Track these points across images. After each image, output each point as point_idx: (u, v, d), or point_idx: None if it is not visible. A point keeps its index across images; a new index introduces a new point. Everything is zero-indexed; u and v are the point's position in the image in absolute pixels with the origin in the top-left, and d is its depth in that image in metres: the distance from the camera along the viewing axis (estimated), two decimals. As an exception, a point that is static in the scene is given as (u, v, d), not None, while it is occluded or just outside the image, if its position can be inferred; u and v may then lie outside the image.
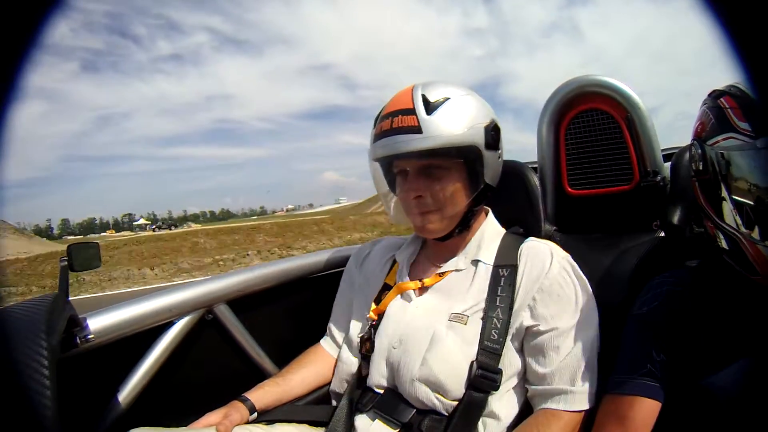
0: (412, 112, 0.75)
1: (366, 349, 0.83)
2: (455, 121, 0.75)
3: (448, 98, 0.77)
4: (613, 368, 0.72)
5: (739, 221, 0.62)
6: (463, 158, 0.78)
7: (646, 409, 0.66)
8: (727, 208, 0.64)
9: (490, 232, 0.87)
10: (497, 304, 0.76)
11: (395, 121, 0.77)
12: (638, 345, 0.70)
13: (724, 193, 0.64)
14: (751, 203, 0.61)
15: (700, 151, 0.67)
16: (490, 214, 0.91)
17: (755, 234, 0.60)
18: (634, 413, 0.65)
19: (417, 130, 0.74)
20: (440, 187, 0.78)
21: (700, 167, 0.68)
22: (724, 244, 0.66)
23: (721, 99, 0.64)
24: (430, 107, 0.75)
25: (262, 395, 0.83)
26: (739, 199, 0.62)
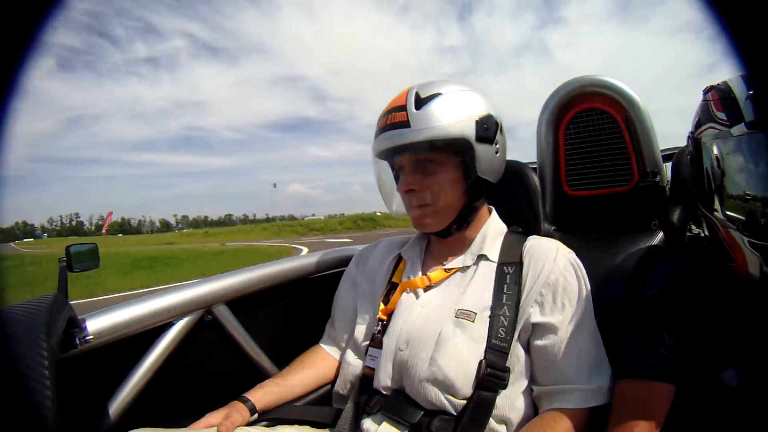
0: (403, 108, 0.79)
1: (373, 350, 0.83)
2: (443, 115, 0.77)
3: (439, 94, 0.79)
4: (625, 352, 0.72)
5: (718, 206, 0.65)
6: (454, 151, 0.79)
7: (662, 393, 0.66)
8: (708, 195, 0.67)
9: (493, 230, 0.87)
10: (504, 301, 0.76)
11: (389, 118, 0.80)
12: (650, 328, 0.71)
13: (705, 180, 0.67)
14: (726, 189, 0.64)
15: (691, 144, 0.71)
16: (494, 213, 0.91)
17: (729, 217, 0.63)
18: (651, 398, 0.66)
19: (406, 124, 0.78)
20: (433, 181, 0.80)
21: (690, 158, 0.72)
22: (706, 231, 0.69)
23: (708, 93, 0.68)
24: (420, 103, 0.78)
25: (263, 395, 0.83)
26: (715, 185, 0.65)
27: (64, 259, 0.84)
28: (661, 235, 0.99)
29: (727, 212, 0.63)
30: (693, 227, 1.00)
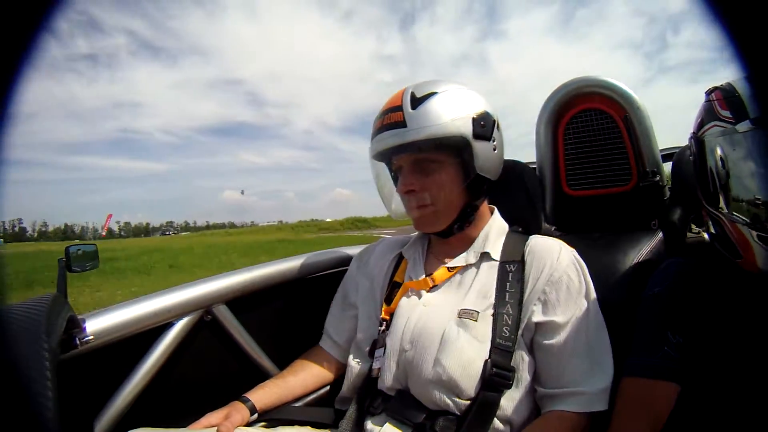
0: (399, 108, 0.79)
1: (378, 350, 0.82)
2: (439, 113, 0.77)
3: (435, 92, 0.79)
4: (629, 351, 0.72)
5: (722, 202, 0.65)
6: (452, 150, 0.79)
7: (666, 392, 0.66)
8: (712, 191, 0.68)
9: (496, 228, 0.87)
10: (507, 300, 0.76)
11: (385, 118, 0.80)
12: (654, 326, 0.71)
13: (710, 178, 0.68)
14: (732, 185, 0.64)
15: (694, 145, 0.72)
16: (496, 212, 0.91)
17: (737, 213, 0.63)
18: (653, 396, 0.66)
19: (402, 124, 0.77)
20: (432, 181, 0.80)
21: (693, 158, 0.72)
22: (711, 228, 0.70)
23: (712, 94, 0.69)
24: (416, 102, 0.78)
25: (263, 396, 0.83)
26: (720, 180, 0.66)
27: (64, 259, 0.84)
28: (660, 235, 0.99)
29: (734, 208, 0.64)
30: (693, 227, 1.00)
